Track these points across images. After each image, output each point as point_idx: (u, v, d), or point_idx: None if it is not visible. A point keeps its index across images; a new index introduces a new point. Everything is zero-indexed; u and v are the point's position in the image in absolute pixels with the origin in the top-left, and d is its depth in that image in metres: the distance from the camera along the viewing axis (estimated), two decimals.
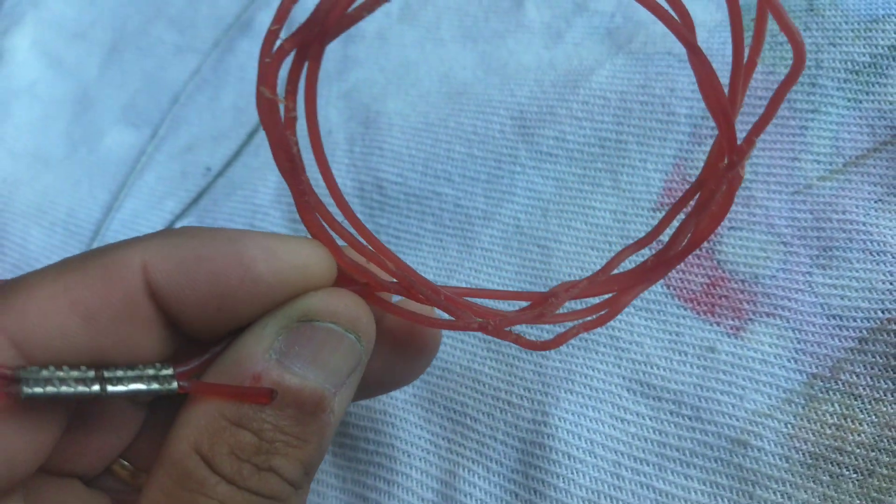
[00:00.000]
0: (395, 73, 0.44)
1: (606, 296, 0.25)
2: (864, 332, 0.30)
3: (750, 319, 0.32)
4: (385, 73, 0.44)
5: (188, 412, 0.21)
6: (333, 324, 0.22)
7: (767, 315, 0.31)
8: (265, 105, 0.21)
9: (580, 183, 0.37)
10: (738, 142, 0.22)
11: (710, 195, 0.22)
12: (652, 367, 0.32)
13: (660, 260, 0.24)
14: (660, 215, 0.35)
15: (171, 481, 0.20)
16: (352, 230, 0.24)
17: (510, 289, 0.36)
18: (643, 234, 0.35)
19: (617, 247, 0.35)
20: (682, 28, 0.20)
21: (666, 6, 0.20)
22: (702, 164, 0.35)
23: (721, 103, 0.21)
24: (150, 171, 0.46)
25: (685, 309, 0.33)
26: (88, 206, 0.46)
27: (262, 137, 0.44)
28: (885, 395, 0.29)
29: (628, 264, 0.27)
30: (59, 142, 0.50)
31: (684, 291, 0.33)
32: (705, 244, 0.34)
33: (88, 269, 0.21)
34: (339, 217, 0.25)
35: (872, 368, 0.29)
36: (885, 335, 0.30)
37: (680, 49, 0.37)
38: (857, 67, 0.35)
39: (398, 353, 0.27)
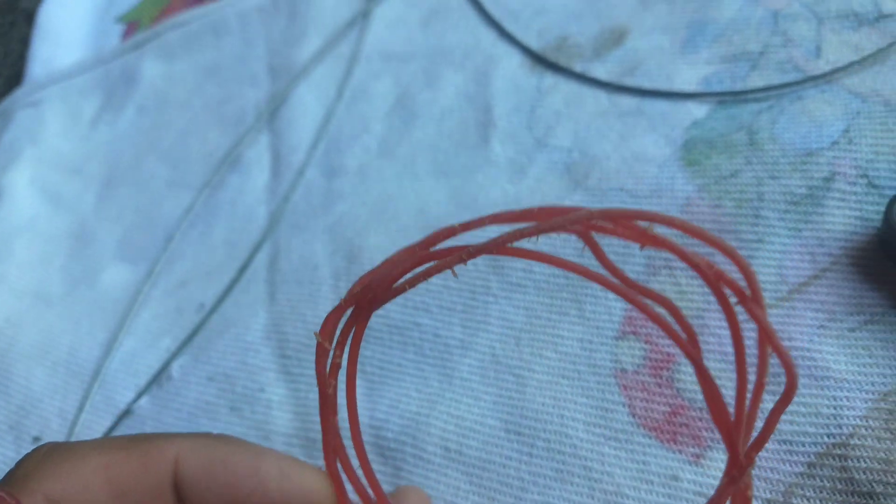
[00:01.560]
0: (376, 207, 0.47)
1: None
2: (812, 456, 0.33)
3: (708, 447, 0.34)
4: (367, 207, 0.48)
5: None
6: None
7: (723, 442, 0.34)
8: (320, 351, 0.25)
9: (548, 312, 0.40)
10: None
11: None
12: (622, 498, 0.34)
13: None
14: (625, 344, 0.38)
15: None
16: (364, 481, 0.27)
17: (490, 420, 0.38)
18: (609, 364, 0.38)
19: (586, 375, 0.38)
20: (689, 347, 0.23)
21: (674, 325, 0.23)
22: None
23: (726, 425, 0.23)
24: (147, 308, 0.49)
25: (650, 437, 0.35)
26: (88, 346, 0.49)
27: (252, 273, 0.47)
28: None
29: None
30: (59, 279, 0.53)
31: (648, 420, 0.36)
32: (665, 372, 0.36)
33: (130, 452, 0.24)
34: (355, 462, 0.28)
35: (821, 492, 0.32)
36: (832, 459, 0.32)
37: (632, 185, 0.41)
38: (795, 199, 0.38)
39: None
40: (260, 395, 0.43)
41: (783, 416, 0.33)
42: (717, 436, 0.34)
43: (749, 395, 0.23)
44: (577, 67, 0.48)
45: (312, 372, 0.41)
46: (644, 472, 0.34)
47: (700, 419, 0.35)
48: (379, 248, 0.45)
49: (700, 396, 0.35)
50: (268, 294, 0.46)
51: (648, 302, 0.23)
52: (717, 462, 0.34)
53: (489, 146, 0.47)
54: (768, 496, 0.32)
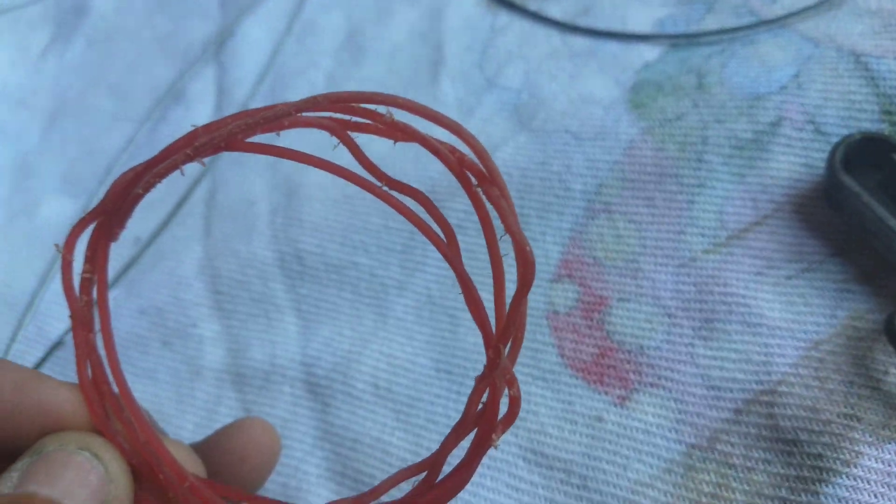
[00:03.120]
0: (318, 143, 0.46)
1: None
2: (740, 403, 0.32)
3: (635, 389, 0.34)
4: (308, 144, 0.46)
5: None
6: (63, 446, 0.23)
7: (651, 385, 0.33)
8: (65, 265, 0.25)
9: (486, 254, 0.39)
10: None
11: (472, 410, 0.22)
12: (545, 437, 0.34)
13: (425, 489, 0.24)
14: (560, 287, 0.37)
15: None
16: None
17: (421, 359, 0.38)
18: (543, 306, 0.37)
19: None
20: (449, 252, 0.22)
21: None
22: (597, 238, 0.37)
23: (483, 321, 0.22)
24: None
25: (577, 378, 0.35)
26: (24, 276, 0.47)
27: (189, 206, 0.46)
28: (757, 465, 0.31)
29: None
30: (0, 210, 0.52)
31: (576, 361, 0.35)
32: (596, 315, 0.36)
33: None
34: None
35: (746, 439, 0.31)
36: (759, 406, 0.32)
37: (577, 127, 0.40)
38: (741, 143, 0.37)
39: None
40: (192, 330, 0.42)
41: (713, 363, 0.33)
42: (644, 378, 0.34)
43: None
44: (532, 6, 0.47)
45: (246, 309, 0.40)
46: (569, 413, 0.34)
47: (628, 361, 0.34)
48: (318, 184, 0.44)
49: (629, 339, 0.35)
50: (204, 229, 0.45)
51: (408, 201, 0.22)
52: (642, 405, 0.33)
53: (439, 85, 0.46)
54: (693, 441, 0.32)
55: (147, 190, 0.24)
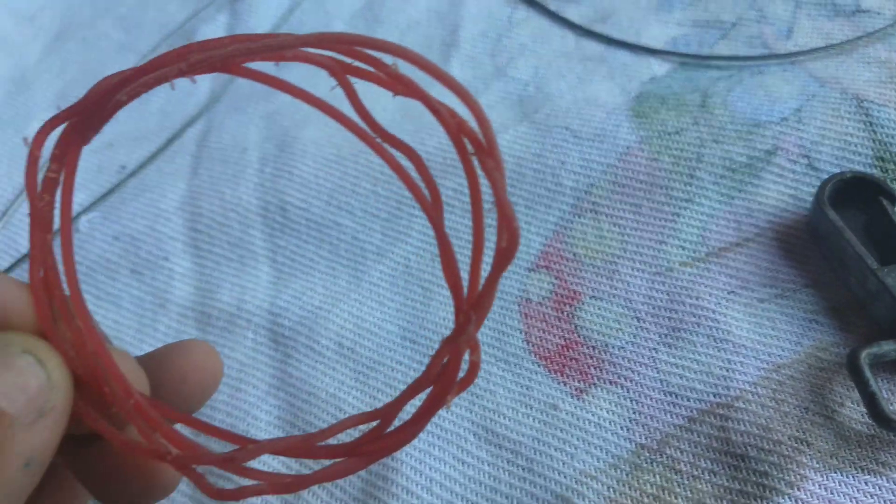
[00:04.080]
0: (320, 90, 0.46)
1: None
2: (695, 412, 0.32)
3: (594, 384, 0.34)
4: (309, 89, 0.46)
5: None
6: (6, 346, 0.22)
7: (610, 382, 0.34)
8: (31, 162, 0.23)
9: (470, 234, 0.39)
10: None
11: (433, 369, 0.22)
12: (499, 416, 0.34)
13: (374, 437, 0.24)
14: (536, 276, 0.37)
15: None
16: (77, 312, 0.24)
17: (389, 325, 0.38)
18: (517, 292, 0.37)
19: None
20: (432, 210, 0.22)
21: None
22: (579, 236, 0.38)
23: (456, 285, 0.22)
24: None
25: (539, 365, 0.35)
26: (3, 187, 0.47)
27: (180, 143, 0.46)
28: (702, 474, 0.31)
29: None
30: None
31: (541, 349, 0.35)
32: (567, 308, 0.36)
33: None
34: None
35: (695, 447, 0.32)
36: (712, 418, 0.32)
37: (578, 126, 0.40)
38: (734, 166, 0.38)
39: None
40: (164, 263, 0.41)
41: (674, 370, 0.33)
42: (605, 374, 0.34)
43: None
44: (552, 6, 0.47)
45: (221, 250, 0.40)
46: (526, 397, 0.34)
47: (591, 357, 0.34)
48: (314, 141, 0.43)
49: (596, 335, 0.35)
50: (191, 167, 0.45)
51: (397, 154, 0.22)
52: (598, 399, 0.33)
53: (449, 66, 0.46)
54: (643, 441, 0.32)
55: (131, 98, 0.22)
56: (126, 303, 0.40)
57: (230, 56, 0.21)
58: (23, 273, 0.43)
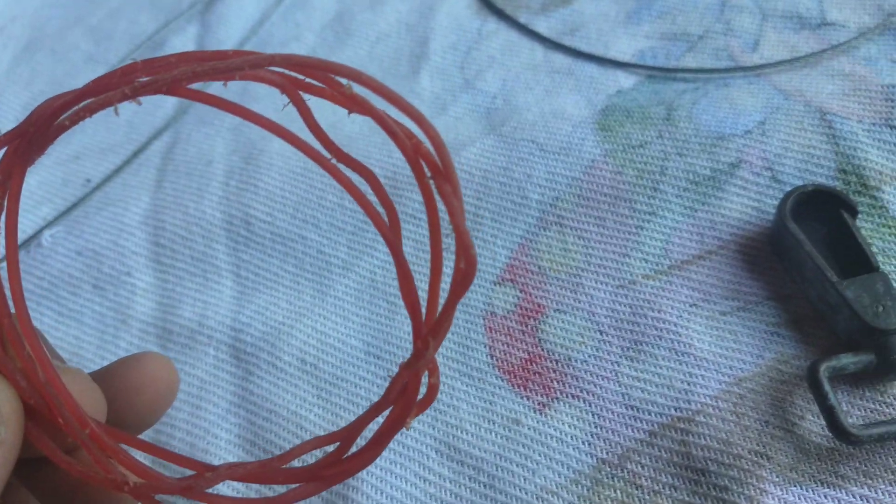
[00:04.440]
0: (288, 113, 0.46)
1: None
2: (655, 426, 0.32)
3: (556, 398, 0.34)
4: (278, 113, 0.46)
5: None
6: None
7: (572, 396, 0.33)
8: None
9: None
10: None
11: (392, 393, 0.22)
12: (462, 432, 0.33)
13: (333, 460, 0.23)
14: (501, 290, 0.37)
15: None
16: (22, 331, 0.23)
17: (353, 340, 0.37)
18: (482, 306, 0.37)
19: (457, 314, 0.37)
20: (389, 234, 0.21)
21: None
22: (545, 249, 0.37)
23: (413, 306, 0.22)
24: (34, 174, 0.46)
25: (502, 380, 0.34)
26: None
27: (146, 157, 0.45)
28: (664, 489, 0.31)
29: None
30: None
31: (505, 363, 0.35)
32: (532, 321, 0.36)
33: None
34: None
35: (657, 462, 0.31)
36: (673, 432, 0.32)
37: (544, 139, 0.40)
38: (697, 178, 0.38)
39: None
40: (126, 278, 0.41)
41: (635, 383, 0.33)
42: (567, 388, 0.34)
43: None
44: (522, 18, 0.47)
45: (184, 265, 0.40)
46: (488, 412, 0.34)
47: (554, 370, 0.34)
48: (280, 153, 0.43)
49: (559, 349, 0.35)
50: (156, 181, 0.44)
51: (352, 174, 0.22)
52: (560, 414, 0.33)
53: (418, 78, 0.46)
54: (604, 456, 0.32)
55: (74, 123, 0.22)
56: (88, 319, 0.40)
57: (177, 79, 0.21)
58: None
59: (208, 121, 0.46)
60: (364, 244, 0.40)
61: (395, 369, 0.36)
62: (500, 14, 0.48)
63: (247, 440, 0.35)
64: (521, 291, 0.37)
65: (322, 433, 0.35)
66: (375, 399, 0.35)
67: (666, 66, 0.43)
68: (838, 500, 0.29)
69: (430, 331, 0.21)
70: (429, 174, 0.21)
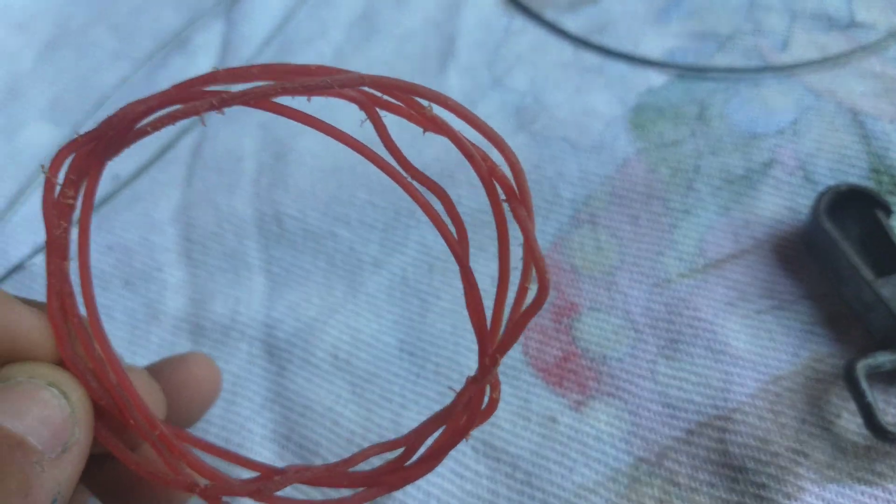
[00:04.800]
0: (316, 112, 0.46)
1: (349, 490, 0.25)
2: (693, 424, 0.32)
3: (592, 396, 0.34)
4: (306, 111, 0.46)
5: None
6: (31, 378, 0.22)
7: (609, 395, 0.33)
8: (48, 188, 0.23)
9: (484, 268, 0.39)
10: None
11: (457, 406, 0.23)
12: (498, 430, 0.33)
13: (396, 467, 0.24)
14: (533, 287, 0.37)
15: None
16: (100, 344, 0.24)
17: (386, 337, 0.37)
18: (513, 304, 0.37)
19: (489, 311, 0.37)
20: (460, 251, 0.22)
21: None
22: (577, 247, 0.37)
23: (481, 326, 0.22)
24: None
25: (537, 378, 0.35)
26: None
27: (174, 153, 0.45)
28: (701, 487, 0.31)
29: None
30: None
31: (539, 361, 0.35)
32: (566, 319, 0.36)
33: None
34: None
35: (694, 459, 0.31)
36: (711, 430, 0.32)
37: (576, 137, 0.40)
38: (731, 177, 0.38)
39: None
40: (157, 274, 0.41)
41: (672, 382, 0.33)
42: (603, 387, 0.34)
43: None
44: (549, 16, 0.47)
45: (216, 261, 0.40)
46: (524, 409, 0.34)
47: (589, 369, 0.34)
48: (310, 151, 0.43)
49: (594, 347, 0.35)
50: (185, 177, 0.44)
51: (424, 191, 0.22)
52: (597, 412, 0.33)
53: (446, 75, 0.46)
54: (642, 454, 0.32)
55: (156, 129, 0.22)
56: (119, 314, 0.40)
57: (266, 94, 0.21)
58: (13, 284, 0.42)
59: (236, 118, 0.46)
60: (395, 241, 0.40)
61: (429, 367, 0.36)
62: (527, 12, 0.48)
63: (282, 435, 0.35)
64: (554, 290, 0.37)
65: (356, 429, 0.35)
66: (409, 396, 0.35)
67: (696, 66, 0.43)
68: (876, 498, 0.30)
69: (497, 349, 0.21)
70: (503, 197, 0.21)
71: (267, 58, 0.49)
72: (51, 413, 0.21)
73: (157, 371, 0.27)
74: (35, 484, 0.20)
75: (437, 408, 0.34)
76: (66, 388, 0.22)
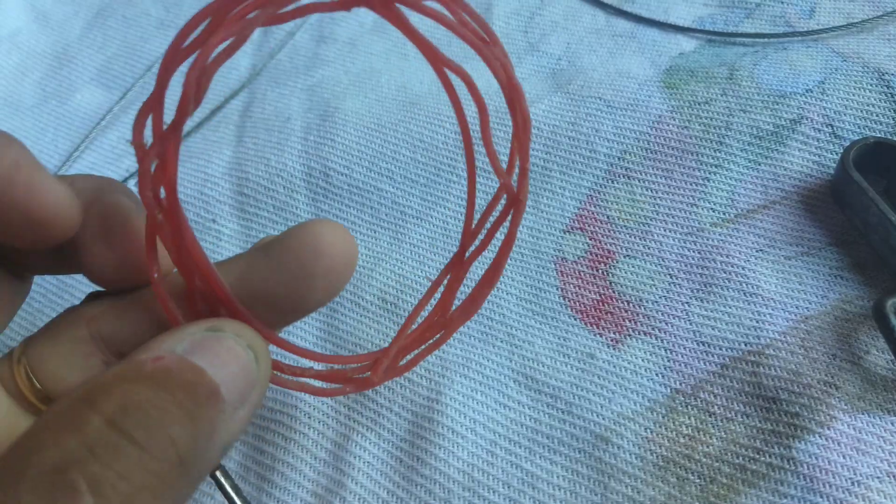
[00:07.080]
0: (359, 76, 0.48)
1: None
2: (727, 359, 0.34)
3: (629, 335, 0.35)
4: (349, 75, 0.48)
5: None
6: (237, 336, 0.24)
7: (645, 333, 0.35)
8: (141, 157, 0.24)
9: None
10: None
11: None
12: (538, 364, 0.35)
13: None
14: (571, 237, 0.39)
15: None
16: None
17: (427, 281, 0.39)
18: (552, 252, 0.39)
19: (529, 258, 0.39)
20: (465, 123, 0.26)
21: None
22: (613, 199, 0.39)
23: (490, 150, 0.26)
24: (114, 130, 0.49)
25: (575, 318, 0.36)
26: (49, 154, 0.48)
27: (224, 113, 0.48)
28: (736, 416, 0.33)
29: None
30: (32, 91, 0.53)
31: (577, 303, 0.37)
32: (602, 266, 0.38)
33: None
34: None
35: (728, 391, 0.33)
36: (744, 364, 0.34)
37: (611, 96, 0.42)
38: (761, 134, 0.40)
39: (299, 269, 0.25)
40: (211, 224, 0.43)
41: (706, 321, 0.35)
42: (639, 326, 0.36)
43: None
44: None
45: (267, 214, 0.42)
46: (563, 347, 0.36)
47: (626, 310, 0.36)
48: (354, 111, 0.45)
49: (630, 291, 0.37)
50: (236, 136, 0.46)
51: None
52: (633, 349, 0.35)
53: None
54: (678, 386, 0.34)
55: (230, 55, 0.22)
56: None
57: None
58: None
59: (282, 82, 0.48)
60: (436, 196, 0.42)
61: None
62: None
63: None
64: (590, 239, 0.39)
65: None
66: (454, 335, 0.37)
67: (725, 32, 0.44)
68: None
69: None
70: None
71: (311, 25, 0.51)
72: (243, 372, 0.23)
73: (282, 243, 0.26)
74: (218, 430, 0.22)
75: (479, 346, 0.36)
76: (260, 354, 0.24)
